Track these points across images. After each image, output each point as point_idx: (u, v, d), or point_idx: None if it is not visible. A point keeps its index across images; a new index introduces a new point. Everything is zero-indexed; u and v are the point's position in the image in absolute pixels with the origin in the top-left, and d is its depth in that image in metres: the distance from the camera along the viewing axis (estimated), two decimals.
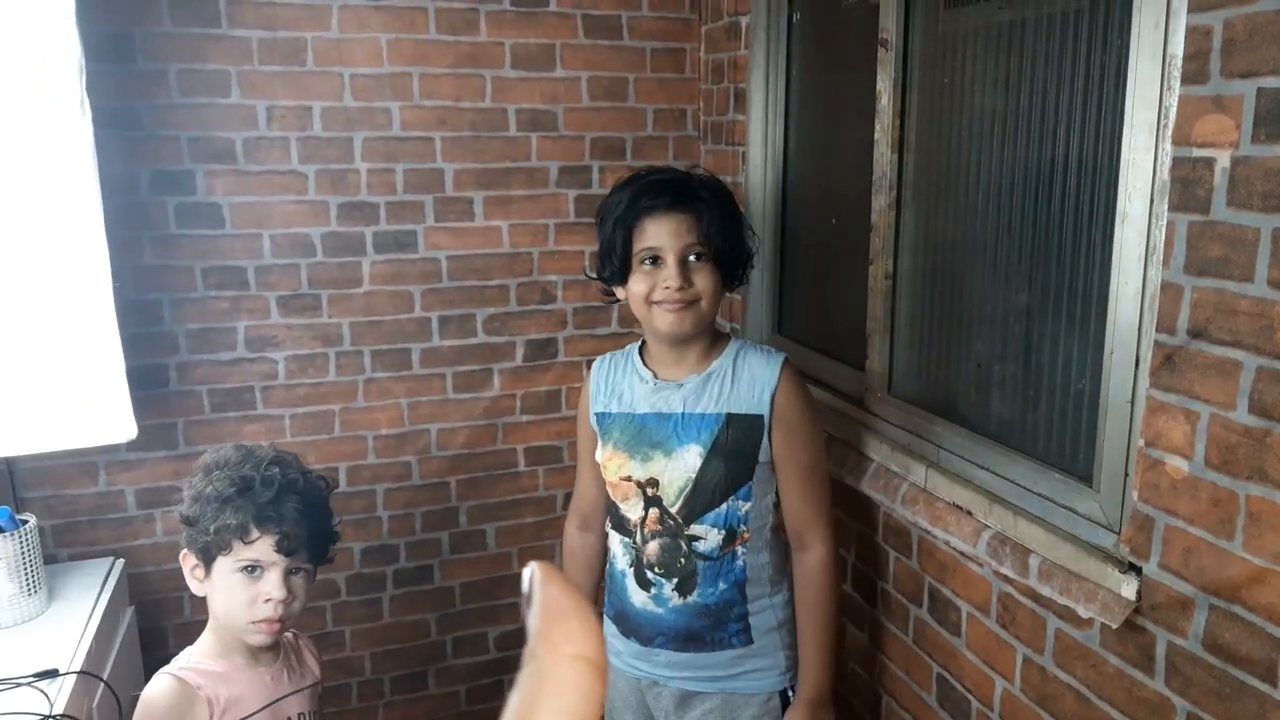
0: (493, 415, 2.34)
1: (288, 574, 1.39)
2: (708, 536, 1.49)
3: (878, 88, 1.71)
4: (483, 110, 2.20)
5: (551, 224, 2.31)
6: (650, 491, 1.50)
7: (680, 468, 1.48)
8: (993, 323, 1.54)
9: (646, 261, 1.46)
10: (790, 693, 1.55)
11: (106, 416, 1.82)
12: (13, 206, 1.69)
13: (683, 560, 1.50)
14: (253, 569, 1.37)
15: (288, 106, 2.06)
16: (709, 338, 1.53)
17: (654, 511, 1.51)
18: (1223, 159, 1.03)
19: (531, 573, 0.31)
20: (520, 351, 2.34)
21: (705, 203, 1.45)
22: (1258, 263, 1.01)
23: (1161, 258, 1.13)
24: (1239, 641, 1.05)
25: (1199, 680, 1.11)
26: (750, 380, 1.49)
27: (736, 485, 1.48)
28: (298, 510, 1.38)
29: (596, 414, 1.58)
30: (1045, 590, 1.31)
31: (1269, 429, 1.01)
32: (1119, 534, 1.23)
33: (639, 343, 1.61)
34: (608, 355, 1.63)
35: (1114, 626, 1.19)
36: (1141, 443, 1.17)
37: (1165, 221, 1.12)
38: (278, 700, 1.42)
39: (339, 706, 2.31)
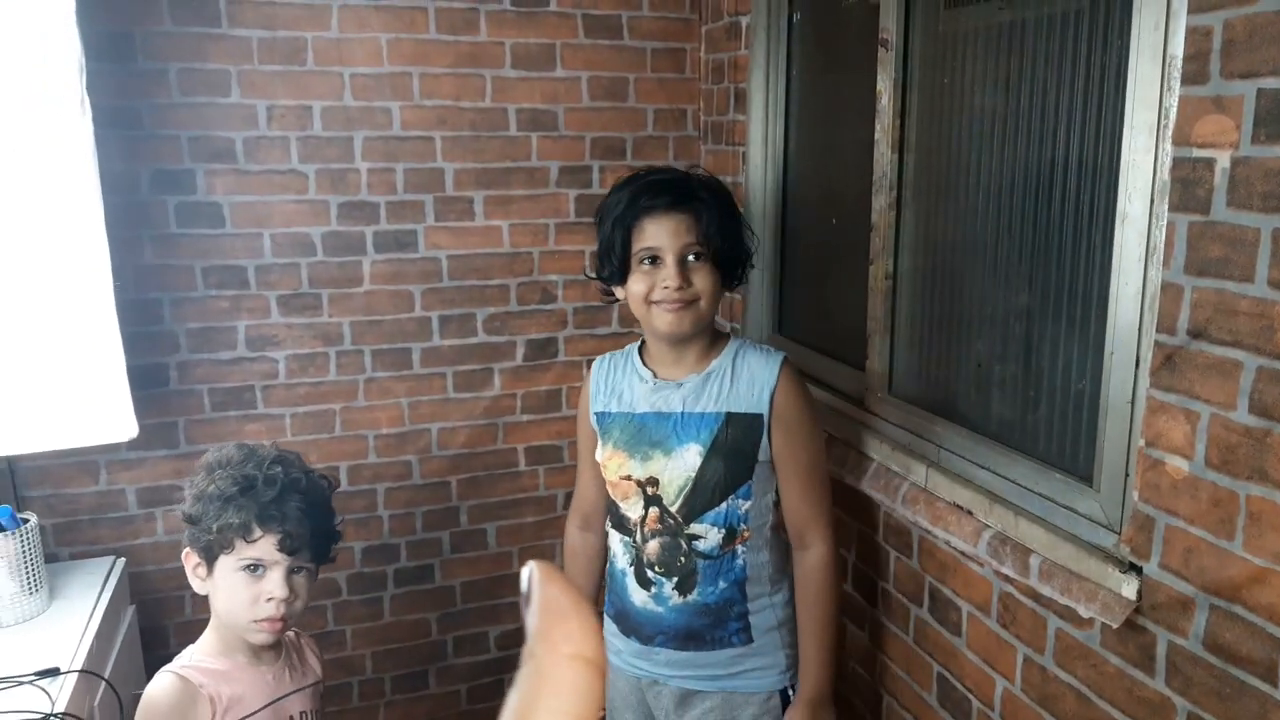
0: (493, 415, 2.34)
1: (290, 573, 1.39)
2: (708, 535, 1.49)
3: (878, 88, 1.71)
4: (483, 110, 2.20)
5: (552, 224, 2.31)
6: (650, 490, 1.51)
7: (680, 467, 1.48)
8: (993, 323, 1.54)
9: (645, 261, 1.46)
10: (790, 692, 1.55)
11: (107, 415, 1.82)
12: (13, 206, 1.69)
13: (683, 559, 1.51)
14: (255, 568, 1.37)
15: (288, 106, 2.06)
16: (708, 337, 1.53)
17: (654, 510, 1.51)
18: (1223, 159, 1.04)
19: (530, 572, 0.31)
20: (520, 351, 2.34)
21: (704, 203, 1.45)
22: (1258, 263, 1.01)
23: (1162, 258, 1.13)
24: (1239, 641, 1.06)
25: (1199, 680, 1.11)
26: (749, 379, 1.49)
27: (736, 484, 1.48)
28: (300, 509, 1.39)
29: (596, 413, 1.58)
30: (1046, 590, 1.31)
31: (1269, 429, 1.01)
32: (1119, 534, 1.23)
33: (638, 342, 1.61)
34: (607, 355, 1.63)
35: (1114, 626, 1.19)
36: (1142, 443, 1.17)
37: (1165, 222, 1.12)
38: (279, 699, 1.42)
39: (340, 705, 2.31)
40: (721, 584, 1.51)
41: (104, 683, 1.63)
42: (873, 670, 1.82)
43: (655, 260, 1.45)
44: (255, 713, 1.38)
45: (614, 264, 1.48)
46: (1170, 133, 1.10)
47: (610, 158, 2.32)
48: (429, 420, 2.29)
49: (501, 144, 2.23)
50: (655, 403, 1.52)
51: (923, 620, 1.65)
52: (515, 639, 2.46)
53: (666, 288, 1.44)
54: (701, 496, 1.48)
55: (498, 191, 2.25)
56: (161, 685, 1.34)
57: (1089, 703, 1.29)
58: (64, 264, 1.74)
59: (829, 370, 1.99)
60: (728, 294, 1.61)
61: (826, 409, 1.89)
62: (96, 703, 1.60)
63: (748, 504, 1.50)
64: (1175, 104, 1.09)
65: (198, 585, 1.42)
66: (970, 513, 1.49)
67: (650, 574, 1.53)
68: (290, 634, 1.52)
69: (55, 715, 1.44)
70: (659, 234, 1.44)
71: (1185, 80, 1.08)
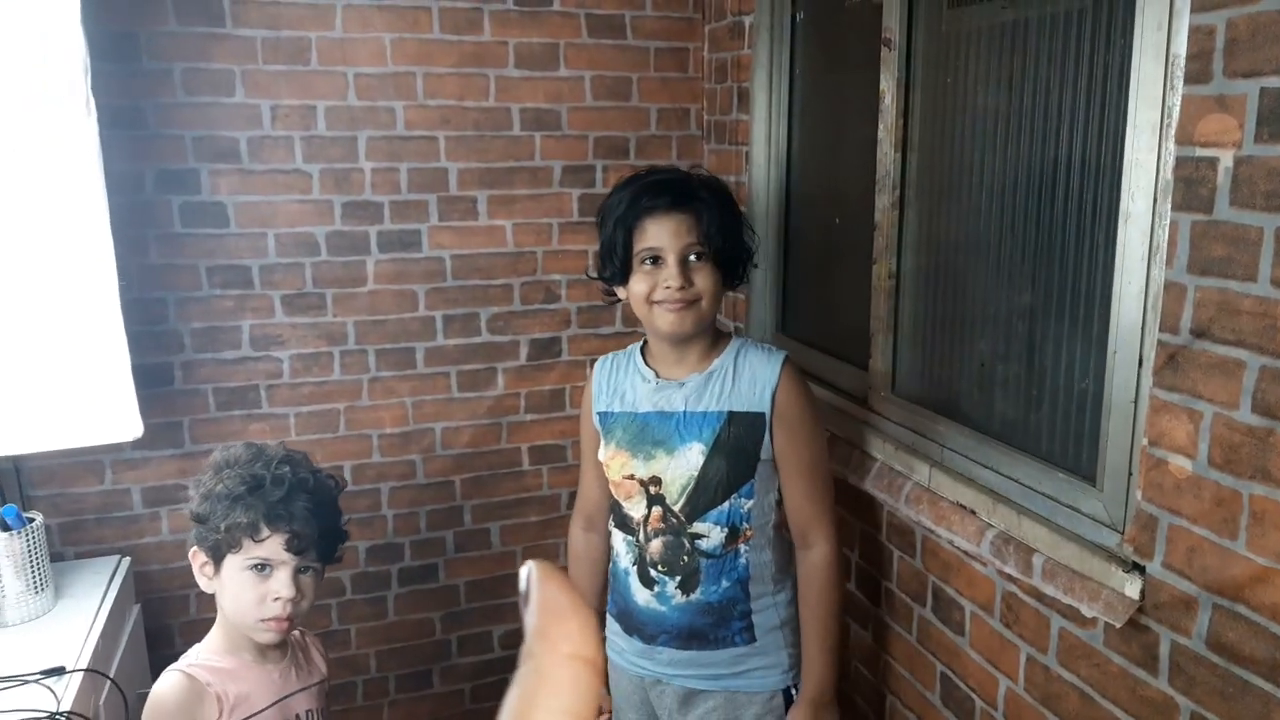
0: (497, 414, 2.35)
1: (297, 573, 1.39)
2: (710, 534, 1.49)
3: (881, 87, 1.71)
4: (486, 109, 2.20)
5: (555, 223, 2.31)
6: (653, 490, 1.51)
7: (683, 466, 1.49)
8: (996, 322, 1.54)
9: (647, 261, 1.46)
10: (793, 691, 1.55)
11: (112, 415, 1.83)
12: (19, 206, 1.70)
13: (686, 558, 1.51)
14: (262, 567, 1.37)
15: (292, 106, 2.07)
16: (710, 337, 1.53)
17: (657, 510, 1.51)
18: (1226, 159, 1.03)
19: (529, 572, 0.32)
20: (524, 350, 2.34)
21: (705, 202, 1.46)
22: (1261, 262, 1.01)
23: (1165, 257, 1.13)
24: (1242, 641, 1.05)
25: (1203, 679, 1.11)
26: (751, 378, 1.49)
27: (739, 483, 1.48)
28: (308, 509, 1.39)
29: (599, 413, 1.59)
30: (1049, 589, 1.31)
31: (1272, 428, 1.01)
32: (1122, 533, 1.23)
33: (641, 342, 1.61)
34: (609, 355, 1.63)
35: (1118, 626, 1.19)
36: (1145, 442, 1.17)
37: (1168, 221, 1.12)
38: (285, 697, 1.43)
39: (344, 704, 2.32)
40: (724, 583, 1.51)
41: (109, 681, 1.63)
42: (876, 670, 1.82)
43: (657, 260, 1.45)
44: (261, 711, 1.39)
45: (615, 264, 1.48)
46: (1173, 132, 1.10)
47: (613, 157, 2.32)
48: (433, 420, 2.29)
49: (505, 143, 2.23)
50: (658, 402, 1.52)
51: (926, 620, 1.65)
52: (519, 638, 2.42)
53: (668, 288, 1.44)
54: (704, 495, 1.48)
55: (501, 191, 2.25)
56: (168, 683, 1.35)
57: (1092, 702, 1.29)
58: (69, 264, 1.75)
59: (832, 369, 1.99)
60: (731, 293, 1.61)
61: (830, 408, 1.89)
62: (102, 701, 1.61)
63: (750, 503, 1.50)
64: (1178, 103, 1.09)
65: (205, 584, 1.42)
66: (973, 512, 1.49)
67: (653, 573, 1.53)
68: (296, 633, 1.52)
69: (61, 714, 1.45)
70: (660, 234, 1.44)
71: (1188, 79, 1.08)
